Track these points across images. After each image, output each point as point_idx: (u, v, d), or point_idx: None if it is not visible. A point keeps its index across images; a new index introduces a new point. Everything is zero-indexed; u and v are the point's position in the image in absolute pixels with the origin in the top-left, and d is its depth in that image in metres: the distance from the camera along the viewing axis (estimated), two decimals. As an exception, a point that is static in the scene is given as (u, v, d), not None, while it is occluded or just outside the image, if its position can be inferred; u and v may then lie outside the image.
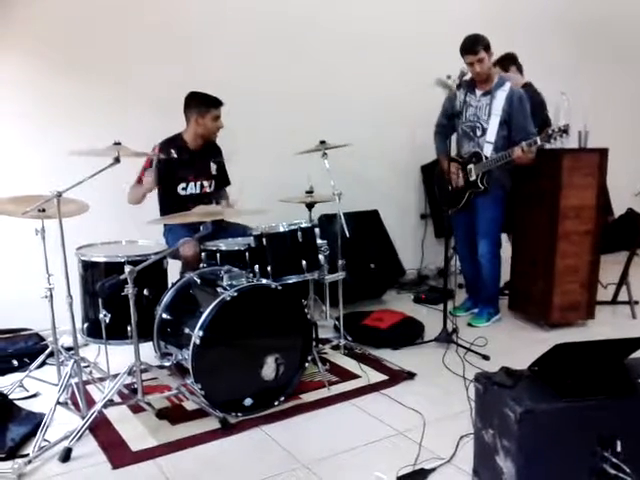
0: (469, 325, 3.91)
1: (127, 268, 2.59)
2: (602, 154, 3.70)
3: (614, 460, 1.89)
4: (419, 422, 2.66)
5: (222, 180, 3.73)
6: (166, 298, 2.92)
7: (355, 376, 3.16)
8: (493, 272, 3.89)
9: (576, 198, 3.65)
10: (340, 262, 3.31)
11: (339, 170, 3.44)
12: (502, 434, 1.96)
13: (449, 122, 3.71)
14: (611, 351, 2.03)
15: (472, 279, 4.12)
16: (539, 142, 3.41)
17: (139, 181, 3.42)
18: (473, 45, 3.58)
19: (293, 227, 3.02)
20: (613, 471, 1.90)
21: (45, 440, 2.48)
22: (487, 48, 3.60)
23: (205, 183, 3.59)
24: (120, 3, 3.76)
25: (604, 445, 1.90)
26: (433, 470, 2.27)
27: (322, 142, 3.35)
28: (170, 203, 3.48)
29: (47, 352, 3.12)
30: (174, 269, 3.37)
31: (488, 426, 2.05)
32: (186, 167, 3.51)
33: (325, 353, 3.40)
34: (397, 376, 3.14)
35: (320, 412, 2.82)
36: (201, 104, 3.43)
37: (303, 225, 3.04)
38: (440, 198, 4.16)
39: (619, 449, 1.91)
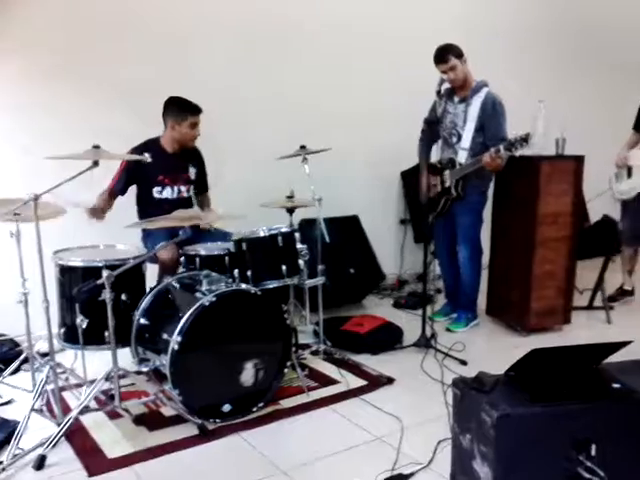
0: (448, 330, 3.93)
1: (104, 273, 2.57)
2: (578, 161, 3.75)
3: (588, 464, 1.91)
4: (397, 427, 2.67)
5: (201, 185, 3.71)
6: (144, 303, 2.89)
7: (334, 381, 3.16)
8: (472, 277, 3.92)
9: (553, 205, 3.69)
10: (320, 267, 3.32)
11: (320, 175, 3.44)
12: (479, 439, 1.97)
13: (429, 128, 3.74)
14: (586, 356, 2.06)
15: (451, 284, 4.15)
16: (502, 150, 3.45)
17: (109, 187, 3.39)
18: (443, 54, 3.64)
19: (273, 232, 3.01)
20: (587, 475, 1.93)
21: (19, 448, 2.44)
22: (459, 56, 3.65)
23: (182, 188, 3.56)
24: (101, 6, 3.73)
25: (579, 449, 1.92)
26: (411, 475, 2.28)
27: (302, 147, 3.36)
28: (146, 206, 3.46)
29: (22, 358, 3.08)
30: (153, 274, 3.36)
31: (465, 431, 2.07)
32: (162, 171, 3.48)
33: (304, 358, 3.39)
34: (376, 381, 3.14)
35: (299, 418, 2.82)
36: (179, 110, 3.41)
37: (283, 230, 3.04)
38: (421, 204, 4.18)
39: (593, 453, 1.93)
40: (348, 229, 4.62)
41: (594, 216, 5.16)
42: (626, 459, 1.96)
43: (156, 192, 3.49)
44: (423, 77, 3.74)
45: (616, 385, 2.00)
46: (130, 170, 3.40)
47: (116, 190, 3.44)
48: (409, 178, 4.97)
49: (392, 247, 5.22)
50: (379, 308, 4.47)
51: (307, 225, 4.06)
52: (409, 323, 3.91)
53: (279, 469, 2.40)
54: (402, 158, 4.80)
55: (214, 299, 2.65)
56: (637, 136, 4.35)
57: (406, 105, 4.31)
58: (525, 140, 3.36)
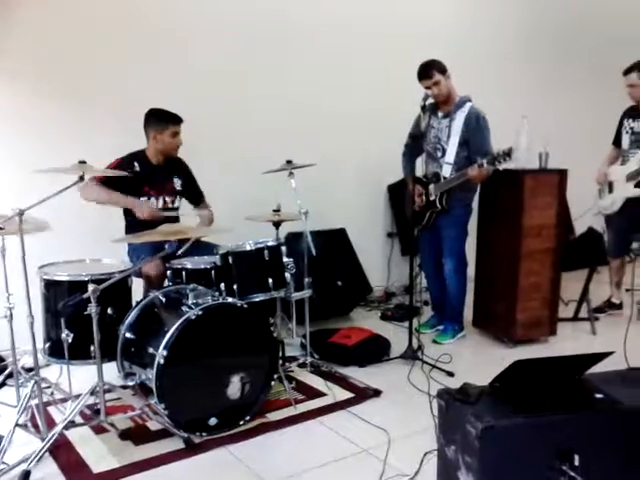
0: (434, 342, 3.95)
1: (90, 287, 2.57)
2: (562, 175, 3.80)
3: (572, 474, 1.93)
4: (384, 439, 2.67)
5: (193, 195, 3.72)
6: (130, 317, 2.87)
7: (321, 394, 3.16)
8: (458, 290, 3.95)
9: (537, 217, 3.73)
10: (306, 280, 3.33)
11: (307, 188, 3.46)
12: (464, 450, 1.98)
13: (413, 142, 3.78)
14: (569, 367, 2.08)
15: (438, 296, 4.17)
16: (485, 165, 3.49)
17: (97, 180, 3.34)
18: (427, 70, 3.70)
19: (259, 245, 3.03)
20: (571, 485, 1.94)
21: (3, 463, 2.42)
22: (442, 71, 3.71)
23: (167, 199, 3.56)
24: (86, 19, 3.75)
25: (562, 459, 1.93)
26: (396, 488, 2.29)
27: (288, 162, 3.38)
28: (133, 217, 3.45)
29: (6, 373, 3.05)
30: (139, 288, 3.35)
31: (450, 442, 2.08)
32: (148, 182, 3.48)
33: (291, 371, 3.39)
34: (363, 394, 3.15)
35: (286, 431, 2.81)
36: (159, 120, 3.42)
37: (269, 243, 3.06)
38: (407, 217, 4.22)
39: (577, 463, 1.95)
40: (335, 242, 4.64)
41: (580, 228, 5.24)
42: (609, 469, 1.98)
43: None
44: (410, 90, 3.80)
45: (599, 395, 2.02)
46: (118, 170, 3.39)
47: (108, 181, 3.34)
48: (396, 191, 5.01)
49: (379, 260, 5.24)
50: (367, 320, 4.48)
51: (294, 238, 4.09)
52: (396, 335, 3.93)
53: (262, 483, 2.40)
54: (389, 172, 4.84)
55: (200, 313, 2.66)
56: (617, 151, 4.39)
57: (393, 117, 4.36)
58: (508, 154, 3.41)
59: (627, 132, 4.24)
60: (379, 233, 5.29)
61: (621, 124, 4.32)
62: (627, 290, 4.58)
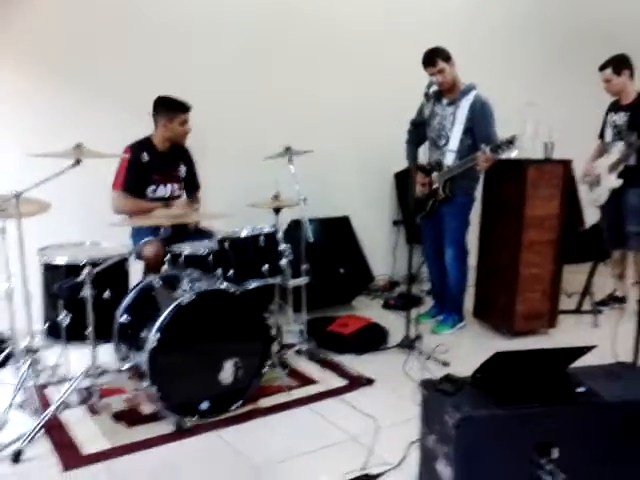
0: (433, 332, 3.94)
1: (85, 270, 2.61)
2: (566, 165, 3.76)
3: (549, 467, 1.93)
4: (373, 427, 2.69)
5: (191, 184, 3.75)
6: (126, 301, 2.92)
7: (315, 381, 3.18)
8: (458, 279, 3.93)
9: (540, 208, 3.70)
10: (304, 267, 3.34)
11: (310, 175, 3.46)
12: (442, 440, 1.99)
13: (415, 130, 3.74)
14: (552, 360, 2.06)
15: (438, 286, 4.16)
16: (488, 152, 3.46)
17: (119, 186, 3.42)
18: (431, 57, 3.68)
19: (255, 232, 3.04)
20: (548, 478, 1.94)
21: (-3, 441, 2.49)
22: (447, 59, 3.68)
23: (175, 186, 3.62)
24: (89, 4, 3.77)
25: (540, 452, 1.93)
26: (379, 475, 2.30)
27: (287, 149, 3.38)
28: None
29: (5, 353, 3.11)
30: (139, 271, 3.39)
31: (431, 432, 2.08)
32: (156, 170, 3.52)
33: (287, 358, 3.41)
34: (356, 382, 3.17)
35: (277, 417, 2.84)
36: (169, 109, 3.45)
37: (265, 230, 3.07)
38: (409, 205, 4.20)
39: (555, 456, 1.95)
40: (339, 230, 4.64)
41: (592, 220, 5.17)
42: (588, 462, 1.97)
43: (150, 191, 3.53)
44: (414, 75, 3.76)
45: (581, 389, 2.01)
46: (132, 167, 3.43)
47: (130, 187, 3.45)
48: (402, 179, 4.98)
49: (385, 248, 5.23)
50: (369, 309, 4.48)
51: (296, 225, 4.07)
52: (397, 324, 3.92)
53: (253, 466, 2.43)
54: (396, 159, 4.75)
55: (193, 297, 2.68)
56: (602, 145, 4.41)
57: (401, 106, 4.32)
58: (511, 142, 3.37)
59: (610, 126, 4.28)
60: (385, 221, 5.27)
61: (605, 118, 4.36)
62: (637, 282, 4.51)
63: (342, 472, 2.32)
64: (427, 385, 2.14)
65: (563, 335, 3.87)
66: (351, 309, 4.49)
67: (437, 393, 2.06)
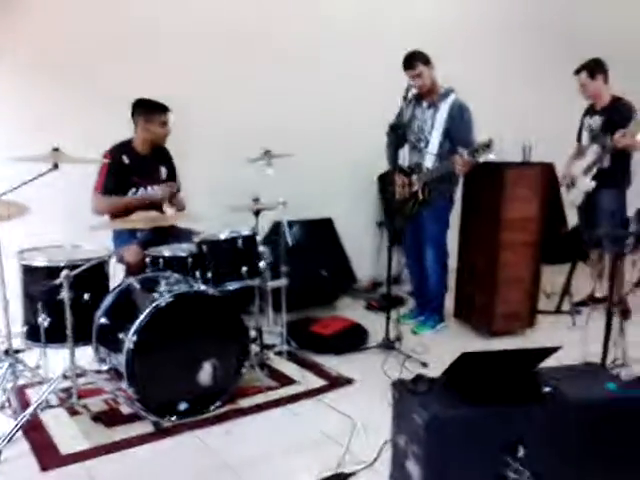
0: (414, 333, 3.98)
1: (63, 273, 2.63)
2: (545, 168, 3.81)
3: (516, 465, 1.97)
4: (350, 427, 2.71)
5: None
6: (105, 303, 2.94)
7: (294, 382, 3.21)
8: (438, 281, 3.98)
9: (518, 210, 3.74)
10: (283, 269, 3.37)
11: (293, 177, 3.49)
12: (412, 439, 2.03)
13: (394, 133, 3.78)
14: (519, 361, 2.11)
15: (419, 287, 4.20)
16: (465, 156, 3.50)
17: (99, 187, 3.44)
18: (411, 61, 3.73)
19: (233, 235, 3.07)
20: (514, 476, 1.98)
21: (-25, 442, 2.50)
22: (426, 62, 3.72)
23: (155, 188, 3.62)
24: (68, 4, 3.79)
25: (507, 451, 1.97)
26: (352, 474, 2.34)
27: (267, 152, 3.41)
28: None
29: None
30: (121, 273, 3.41)
31: (402, 431, 2.12)
32: (137, 172, 3.54)
33: (268, 359, 3.44)
34: (335, 382, 3.20)
35: (255, 417, 2.87)
36: (147, 111, 3.47)
37: (244, 233, 3.10)
38: (389, 207, 4.25)
39: (521, 454, 1.99)
40: (322, 231, 4.67)
41: (574, 221, 5.22)
42: (554, 460, 2.01)
43: (131, 194, 3.54)
44: (396, 76, 3.80)
45: (547, 389, 2.05)
46: (112, 170, 3.45)
47: (109, 189, 3.45)
48: (385, 181, 5.01)
49: (369, 249, 5.27)
50: (351, 310, 4.51)
51: (278, 228, 4.10)
52: (378, 325, 3.95)
53: (229, 467, 2.45)
54: (380, 161, 4.78)
55: (170, 300, 2.71)
56: (579, 147, 4.49)
57: (382, 105, 4.35)
58: (488, 146, 3.41)
59: (586, 129, 4.37)
60: (369, 222, 5.31)
61: (582, 122, 4.44)
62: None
63: (317, 472, 2.35)
64: (399, 385, 2.18)
65: (540, 335, 3.92)
66: (334, 310, 4.52)
67: (408, 393, 2.10)
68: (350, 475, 2.32)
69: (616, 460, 2.07)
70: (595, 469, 2.05)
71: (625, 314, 3.99)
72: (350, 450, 2.53)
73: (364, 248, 5.19)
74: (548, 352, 2.05)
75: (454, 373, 2.06)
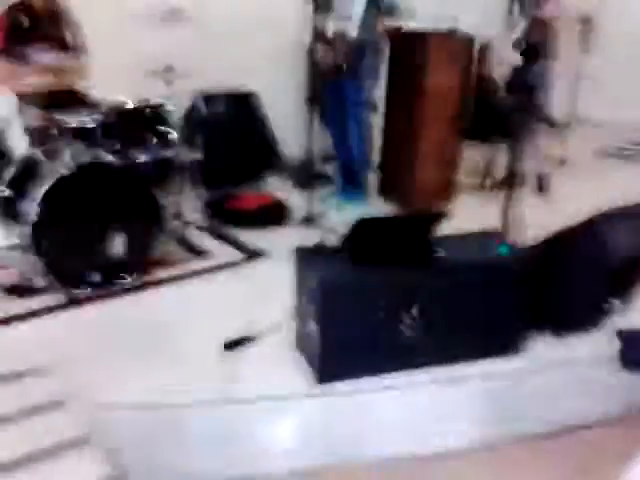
0: (337, 209, 4.00)
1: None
2: (468, 41, 3.73)
3: (409, 322, 2.07)
4: (256, 296, 2.76)
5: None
6: (8, 174, 2.82)
7: (211, 255, 3.23)
8: (361, 156, 3.97)
9: (440, 82, 3.67)
10: (195, 142, 3.28)
11: (216, 45, 3.21)
12: (310, 300, 2.10)
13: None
14: (413, 226, 2.15)
15: (343, 164, 4.19)
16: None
17: None
18: None
19: (142, 103, 2.93)
20: (409, 332, 2.09)
21: None
22: None
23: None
24: None
25: (401, 309, 2.07)
26: (258, 336, 2.42)
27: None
28: None
29: None
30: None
31: (302, 294, 2.19)
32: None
33: (187, 233, 3.43)
34: (252, 255, 3.24)
35: (170, 289, 2.90)
36: None
37: (152, 102, 2.97)
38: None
39: (415, 313, 2.09)
40: (246, 106, 4.50)
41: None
42: (443, 320, 2.13)
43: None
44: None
45: (440, 254, 2.12)
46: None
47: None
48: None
49: (298, 126, 5.15)
50: (278, 188, 4.48)
51: (203, 100, 3.98)
52: (302, 203, 3.95)
53: (143, 336, 2.49)
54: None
55: (74, 170, 2.62)
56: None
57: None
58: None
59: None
60: (299, 98, 5.14)
61: None
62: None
63: (226, 337, 2.42)
64: (300, 251, 2.22)
65: (460, 212, 3.99)
66: (259, 189, 4.48)
67: (308, 258, 2.14)
68: (253, 338, 2.40)
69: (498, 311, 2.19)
70: (472, 321, 2.17)
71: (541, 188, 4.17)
72: (259, 317, 2.59)
73: (292, 125, 5.06)
74: (438, 217, 2.10)
75: (352, 238, 2.09)
